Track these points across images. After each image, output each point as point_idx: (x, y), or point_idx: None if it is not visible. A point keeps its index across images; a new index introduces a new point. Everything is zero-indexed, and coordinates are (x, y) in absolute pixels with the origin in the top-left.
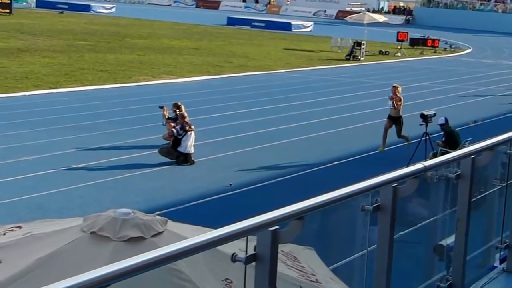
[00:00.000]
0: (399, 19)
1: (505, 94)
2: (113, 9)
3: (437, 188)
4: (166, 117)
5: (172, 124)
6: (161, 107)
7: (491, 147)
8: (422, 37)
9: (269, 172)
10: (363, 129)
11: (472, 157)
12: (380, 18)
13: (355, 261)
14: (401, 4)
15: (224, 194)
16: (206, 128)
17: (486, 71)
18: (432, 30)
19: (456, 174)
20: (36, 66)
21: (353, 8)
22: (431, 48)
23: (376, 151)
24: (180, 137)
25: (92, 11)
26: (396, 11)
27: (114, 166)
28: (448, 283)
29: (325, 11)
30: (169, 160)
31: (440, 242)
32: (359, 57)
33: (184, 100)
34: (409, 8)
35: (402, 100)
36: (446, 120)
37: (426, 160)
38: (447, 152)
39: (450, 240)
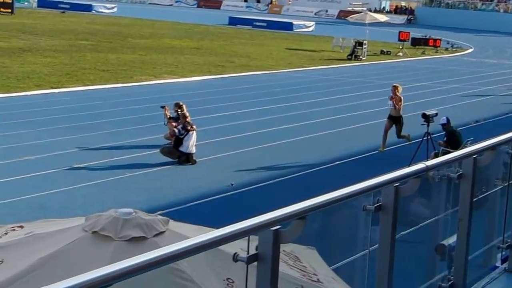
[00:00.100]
0: (401, 18)
1: (506, 94)
2: (115, 9)
3: (439, 188)
4: (168, 116)
5: (174, 124)
6: (163, 107)
7: (493, 147)
8: (424, 37)
9: (271, 172)
10: (365, 129)
11: (474, 157)
12: (382, 17)
13: (357, 261)
14: (403, 3)
15: (225, 193)
16: (208, 128)
17: (487, 71)
18: (433, 29)
19: (457, 174)
20: (38, 66)
21: (354, 8)
22: (432, 48)
23: (377, 151)
24: (181, 136)
25: (93, 11)
26: (397, 10)
27: (115, 166)
28: (449, 283)
29: (326, 11)
30: (170, 160)
31: (442, 242)
32: (360, 57)
33: (185, 100)
34: (410, 7)
35: (402, 100)
36: (448, 120)
37: (427, 160)
38: (448, 152)
39: (451, 240)
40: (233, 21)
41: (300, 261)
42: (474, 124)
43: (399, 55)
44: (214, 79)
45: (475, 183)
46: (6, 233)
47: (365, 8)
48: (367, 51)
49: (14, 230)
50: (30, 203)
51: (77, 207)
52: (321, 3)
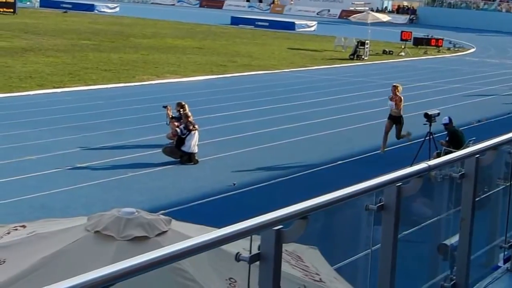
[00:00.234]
0: (403, 18)
1: (509, 94)
2: (117, 9)
3: (441, 188)
4: (170, 116)
5: (176, 124)
6: (165, 107)
7: (495, 147)
8: (426, 37)
9: (273, 172)
10: (366, 128)
11: (476, 157)
12: (384, 17)
13: (359, 261)
14: (405, 3)
15: (228, 193)
16: (210, 127)
17: (490, 70)
18: (436, 29)
19: (460, 173)
20: (40, 66)
21: (356, 8)
22: (434, 47)
23: (379, 151)
24: (183, 136)
25: (96, 11)
26: (399, 10)
27: (118, 166)
28: (452, 282)
29: (328, 10)
30: (172, 159)
31: (444, 242)
32: (362, 57)
33: (187, 100)
34: (413, 7)
35: (402, 100)
36: (450, 119)
37: (430, 160)
38: (451, 152)
39: (454, 239)
40: (235, 21)
41: (302, 260)
42: (476, 124)
43: (401, 55)
44: (216, 78)
45: (477, 183)
46: (8, 233)
47: (367, 8)
48: (369, 50)
49: (16, 229)
50: (32, 203)
51: (79, 206)
52: (323, 3)
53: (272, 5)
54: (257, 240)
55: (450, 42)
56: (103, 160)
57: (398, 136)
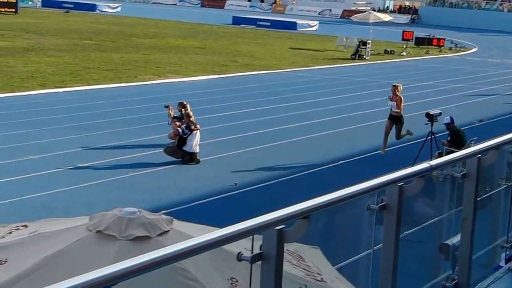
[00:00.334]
0: (405, 18)
1: (510, 94)
2: (119, 8)
3: (443, 188)
4: (172, 116)
5: (178, 123)
6: (167, 106)
7: (496, 147)
8: (428, 36)
9: (275, 172)
10: (368, 128)
11: (478, 157)
12: (386, 17)
13: (361, 260)
14: (407, 3)
15: (229, 193)
16: (212, 127)
17: (491, 70)
18: (437, 29)
19: (461, 173)
20: (41, 66)
21: (358, 7)
22: (436, 47)
23: (380, 151)
24: (185, 136)
25: (97, 11)
26: (401, 10)
27: (119, 165)
28: (453, 282)
29: (330, 10)
30: (174, 159)
31: (446, 242)
32: (364, 56)
33: (189, 99)
34: (414, 7)
35: (403, 100)
36: (452, 119)
37: (431, 160)
38: (452, 152)
39: (455, 239)
40: (237, 21)
41: (304, 260)
42: (478, 124)
43: (403, 55)
44: (217, 78)
45: (479, 183)
46: (10, 232)
47: (369, 8)
48: (371, 50)
49: (18, 229)
50: (34, 203)
51: (81, 206)
52: (324, 3)
53: (273, 5)
54: (258, 240)
55: (451, 42)
56: (105, 160)
57: (398, 136)
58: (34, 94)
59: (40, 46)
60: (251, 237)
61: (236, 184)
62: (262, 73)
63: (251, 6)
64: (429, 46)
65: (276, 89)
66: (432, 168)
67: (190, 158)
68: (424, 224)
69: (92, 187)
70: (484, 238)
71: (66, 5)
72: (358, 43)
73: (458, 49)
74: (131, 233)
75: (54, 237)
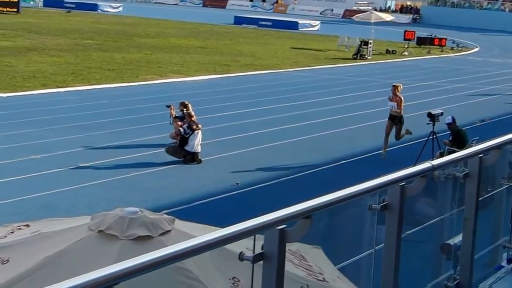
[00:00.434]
0: (406, 18)
1: None
2: (120, 8)
3: (445, 187)
4: (173, 116)
5: (179, 123)
6: (168, 106)
7: (498, 146)
8: (429, 36)
9: (276, 171)
10: (369, 128)
11: (480, 156)
12: (387, 17)
13: (363, 260)
14: (408, 3)
15: (231, 193)
16: (213, 127)
17: (493, 70)
18: (439, 29)
19: (463, 173)
20: (43, 65)
21: (360, 7)
22: (438, 47)
23: (381, 151)
24: (187, 136)
25: (99, 10)
26: (403, 10)
27: (121, 165)
28: (455, 282)
29: (332, 10)
30: (176, 159)
31: (448, 241)
32: (366, 56)
33: (191, 99)
34: (416, 7)
35: (403, 100)
36: (453, 119)
37: (433, 159)
38: (454, 151)
39: (457, 239)
40: (239, 21)
41: (306, 260)
42: (480, 124)
43: (404, 54)
44: (219, 78)
45: (481, 183)
46: (12, 232)
47: (370, 7)
48: (373, 50)
49: (20, 229)
50: (35, 202)
51: (83, 206)
52: (326, 2)
53: (275, 5)
54: (260, 240)
55: (453, 42)
56: (107, 159)
57: (398, 136)
58: (36, 94)
59: (42, 46)
60: (252, 237)
61: (237, 184)
62: (264, 73)
63: (252, 6)
64: (431, 46)
65: (278, 89)
66: (434, 168)
67: (191, 158)
68: (426, 224)
69: (93, 186)
70: (486, 238)
71: (67, 4)
72: (359, 43)
73: (459, 49)
74: (133, 233)
75: (56, 236)
